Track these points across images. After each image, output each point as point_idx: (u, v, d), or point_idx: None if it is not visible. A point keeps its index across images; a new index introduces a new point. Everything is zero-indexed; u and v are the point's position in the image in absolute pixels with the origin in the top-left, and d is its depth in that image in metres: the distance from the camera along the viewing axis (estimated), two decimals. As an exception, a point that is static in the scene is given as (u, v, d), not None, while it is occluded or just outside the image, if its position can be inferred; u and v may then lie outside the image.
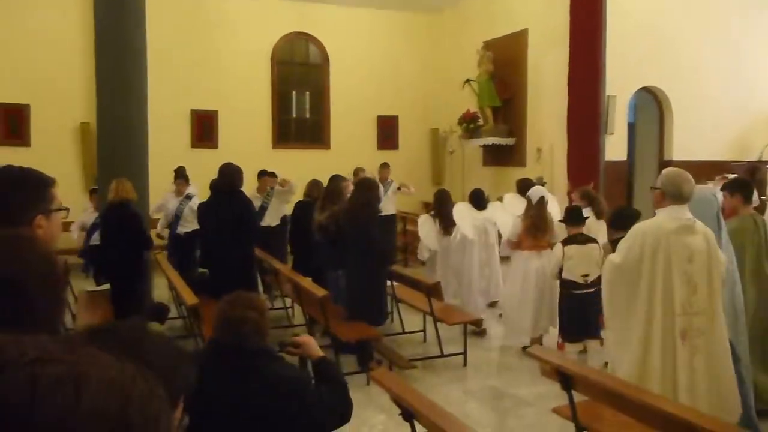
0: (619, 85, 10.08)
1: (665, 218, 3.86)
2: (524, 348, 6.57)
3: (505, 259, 7.70)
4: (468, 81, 11.81)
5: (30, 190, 1.99)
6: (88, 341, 1.14)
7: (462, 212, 7.37)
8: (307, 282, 6.33)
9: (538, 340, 6.57)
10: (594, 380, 3.65)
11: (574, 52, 9.96)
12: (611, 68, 9.78)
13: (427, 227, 7.49)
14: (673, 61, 10.40)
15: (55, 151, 10.91)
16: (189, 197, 8.92)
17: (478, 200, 7.51)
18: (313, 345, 2.93)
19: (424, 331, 7.11)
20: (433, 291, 6.24)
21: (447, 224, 7.31)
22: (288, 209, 8.81)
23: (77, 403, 0.63)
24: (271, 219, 9.02)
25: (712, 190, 4.85)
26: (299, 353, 2.97)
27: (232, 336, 2.74)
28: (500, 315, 7.32)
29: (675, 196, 3.84)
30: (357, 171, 9.79)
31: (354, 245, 6.06)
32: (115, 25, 7.51)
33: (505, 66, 11.56)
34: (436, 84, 13.47)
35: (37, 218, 1.94)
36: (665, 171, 4.03)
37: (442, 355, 6.39)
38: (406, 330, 7.23)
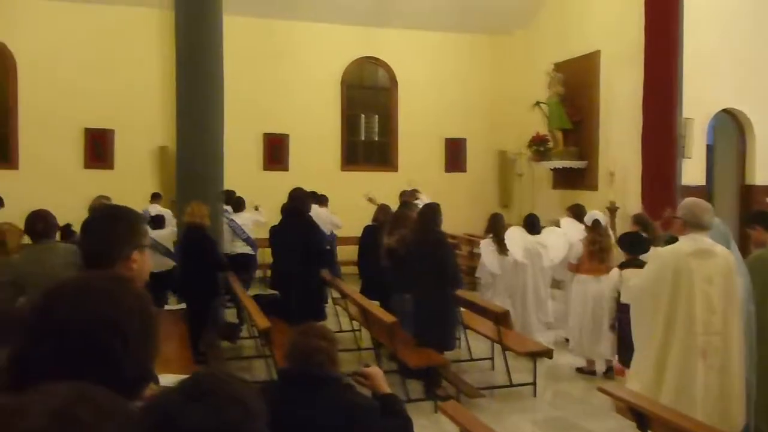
0: (697, 107, 9.74)
1: (684, 243, 4.08)
2: (578, 369, 6.83)
3: (558, 282, 7.92)
4: (538, 103, 11.68)
5: (126, 226, 2.09)
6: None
7: (514, 236, 7.57)
8: (375, 307, 6.36)
9: (592, 364, 6.78)
10: (671, 420, 3.51)
11: (648, 73, 9.72)
12: (688, 89, 9.48)
13: (488, 251, 7.62)
14: (754, 82, 9.98)
15: (136, 173, 11.43)
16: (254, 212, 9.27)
17: (532, 225, 7.66)
18: (380, 378, 2.95)
19: (492, 358, 7.02)
20: (502, 319, 6.15)
21: (502, 247, 7.48)
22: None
23: None
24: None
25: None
26: (367, 385, 2.98)
27: (305, 365, 2.79)
28: (567, 339, 7.32)
29: (695, 224, 4.06)
30: (412, 192, 9.88)
31: (422, 269, 6.05)
32: (194, 54, 7.84)
33: (576, 88, 11.39)
34: (504, 106, 13.38)
35: (133, 253, 2.04)
36: (685, 201, 4.25)
37: (511, 385, 6.29)
38: (473, 357, 7.15)
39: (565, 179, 11.83)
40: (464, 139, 13.58)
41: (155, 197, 10.21)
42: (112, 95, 11.42)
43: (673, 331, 3.97)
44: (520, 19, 13.08)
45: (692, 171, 9.92)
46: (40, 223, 4.62)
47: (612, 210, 9.85)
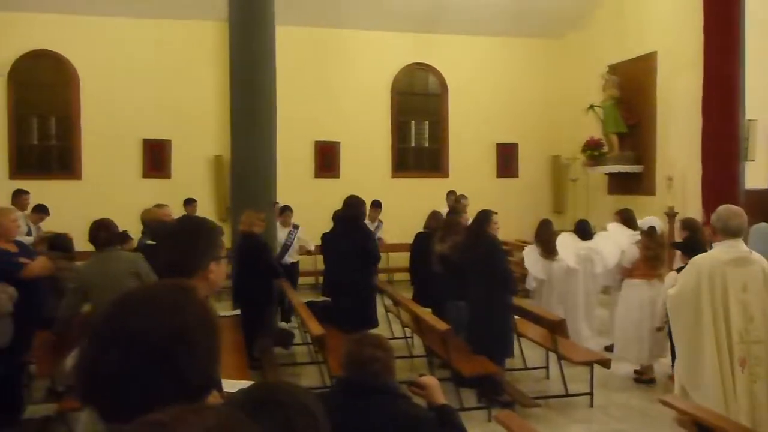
0: (761, 108, 9.39)
1: (719, 251, 4.15)
2: (636, 371, 6.71)
3: (605, 288, 7.90)
4: (592, 107, 11.47)
5: (206, 238, 2.16)
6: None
7: (565, 242, 7.58)
8: (428, 314, 6.33)
9: (649, 369, 6.69)
10: (739, 434, 3.38)
11: (708, 73, 9.41)
12: (751, 90, 9.14)
13: (532, 257, 7.66)
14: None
15: (192, 182, 11.70)
16: (296, 227, 9.28)
17: (583, 231, 7.68)
18: (436, 389, 2.92)
19: (546, 367, 6.89)
20: (557, 327, 6.04)
21: (547, 251, 7.48)
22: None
23: None
24: None
25: None
26: (423, 395, 2.96)
27: (361, 375, 2.79)
28: (606, 348, 7.27)
29: (724, 230, 4.12)
30: (456, 198, 9.86)
31: (476, 275, 5.99)
32: (248, 65, 8.00)
33: (631, 90, 11.13)
34: (557, 110, 13.19)
35: (211, 264, 2.10)
36: (719, 207, 4.29)
37: (567, 395, 6.16)
38: (527, 366, 7.04)
39: (621, 184, 11.56)
40: (516, 144, 13.43)
41: (188, 203, 10.36)
42: (168, 106, 11.74)
43: (710, 339, 4.02)
44: (573, 21, 12.88)
45: (755, 174, 9.56)
46: (103, 231, 4.77)
47: (671, 216, 9.56)
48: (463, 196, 10.01)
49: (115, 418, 1.25)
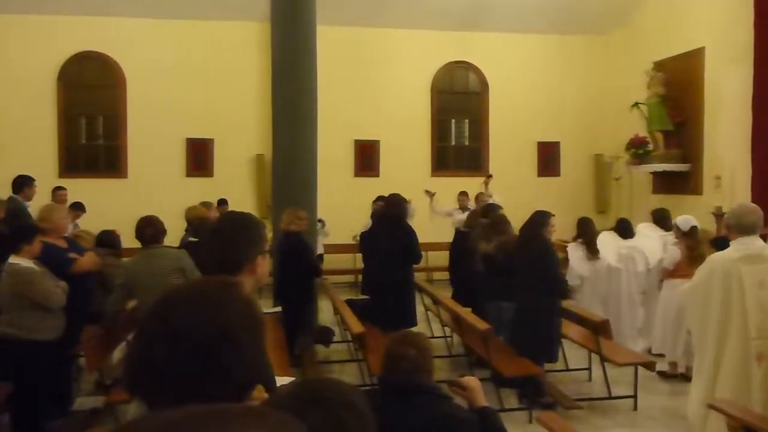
0: (815, 105, 9.07)
1: (734, 248, 4.17)
2: (659, 372, 6.58)
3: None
4: (636, 104, 11.24)
5: (254, 233, 2.19)
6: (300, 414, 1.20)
7: (606, 241, 7.55)
8: (468, 314, 6.29)
9: (675, 366, 6.70)
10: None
11: (759, 69, 9.14)
12: (805, 86, 8.84)
13: (576, 254, 7.62)
14: None
15: (234, 180, 11.88)
16: (321, 222, 9.34)
17: (624, 230, 7.63)
18: (478, 390, 2.89)
19: (589, 369, 6.77)
20: (601, 329, 5.93)
21: (591, 251, 7.45)
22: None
23: None
24: None
25: None
26: (464, 396, 2.93)
27: (395, 373, 2.78)
28: (649, 350, 7.21)
29: (738, 228, 4.16)
30: (479, 196, 9.84)
31: (527, 276, 5.92)
32: (289, 64, 8.06)
33: (677, 87, 10.86)
34: (600, 108, 12.96)
35: (257, 258, 2.13)
36: (733, 206, 4.43)
37: (610, 397, 6.05)
38: (569, 367, 6.93)
39: (666, 183, 11.30)
40: (558, 143, 13.26)
41: (221, 203, 10.46)
42: (211, 106, 11.93)
43: (726, 335, 4.09)
44: (616, 18, 12.64)
45: (809, 173, 9.23)
46: (149, 228, 4.87)
47: (718, 216, 9.30)
48: (482, 194, 10.02)
49: (162, 410, 1.28)
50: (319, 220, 9.36)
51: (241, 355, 1.33)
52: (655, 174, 11.41)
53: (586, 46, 13.17)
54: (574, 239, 7.83)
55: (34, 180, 7.78)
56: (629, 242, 7.52)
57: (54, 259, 5.12)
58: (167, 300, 1.39)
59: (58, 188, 9.10)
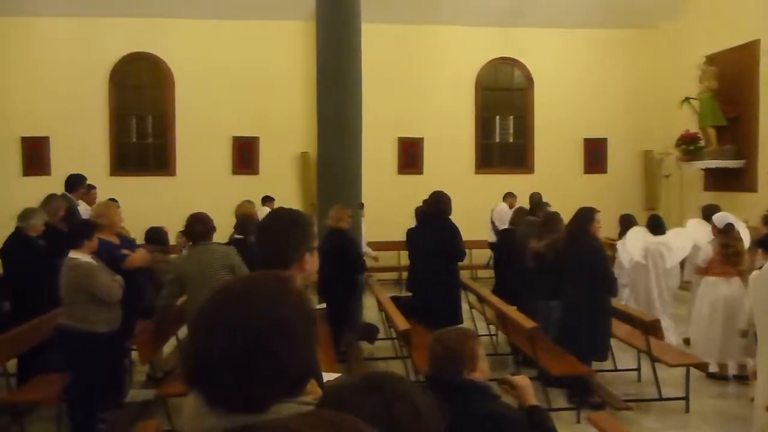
0: None
1: None
2: (708, 374, 6.41)
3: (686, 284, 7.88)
4: (687, 99, 10.95)
5: (303, 230, 2.21)
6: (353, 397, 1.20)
7: (635, 236, 7.52)
8: (514, 312, 6.22)
9: (725, 368, 6.53)
10: None
11: (818, 62, 8.80)
12: None
13: (621, 250, 7.68)
14: None
15: (279, 178, 12.01)
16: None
17: (655, 225, 7.57)
18: (528, 389, 2.84)
19: (638, 369, 6.63)
20: (651, 328, 5.79)
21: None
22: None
23: None
24: None
25: None
26: (514, 394, 2.89)
27: (440, 370, 2.75)
28: (685, 341, 7.18)
29: None
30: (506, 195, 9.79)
31: (575, 275, 5.83)
32: (334, 62, 8.10)
33: (731, 81, 10.54)
34: (649, 103, 12.66)
35: (306, 255, 2.14)
36: None
37: (661, 398, 5.91)
38: (617, 367, 6.79)
39: (719, 180, 10.98)
40: (605, 139, 13.01)
41: (266, 200, 10.54)
42: (257, 105, 12.09)
43: None
44: (666, 11, 12.33)
45: None
46: (199, 225, 4.96)
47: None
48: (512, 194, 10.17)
49: (219, 402, 1.29)
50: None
51: (296, 348, 1.34)
52: (707, 171, 11.10)
53: (634, 40, 12.88)
54: (620, 237, 7.76)
55: (86, 178, 8.00)
56: (659, 238, 7.46)
57: (108, 254, 5.26)
58: (224, 293, 1.41)
59: (90, 187, 9.14)
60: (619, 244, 7.78)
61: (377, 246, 11.11)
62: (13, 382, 5.68)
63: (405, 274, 9.61)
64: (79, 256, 4.89)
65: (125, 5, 11.56)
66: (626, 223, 7.83)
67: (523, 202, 9.72)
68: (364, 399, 1.18)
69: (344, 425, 0.76)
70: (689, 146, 11.05)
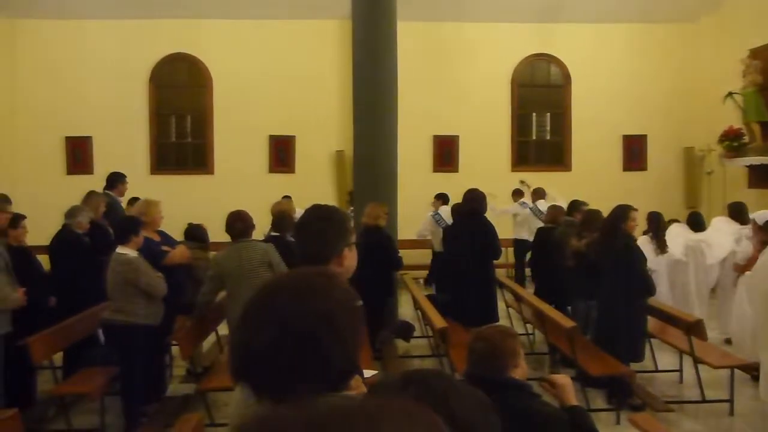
0: None
1: None
2: (753, 375, 6.17)
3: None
4: (730, 94, 10.68)
5: (341, 226, 2.22)
6: (400, 391, 1.22)
7: (675, 234, 7.49)
8: (552, 311, 6.16)
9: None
10: None
11: None
12: None
13: (646, 248, 7.36)
14: None
15: (314, 176, 12.10)
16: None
17: (695, 223, 7.64)
18: (569, 389, 2.81)
19: (680, 371, 6.50)
20: (694, 328, 5.67)
21: (660, 244, 7.32)
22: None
23: None
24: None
25: None
26: (554, 393, 2.87)
27: (480, 368, 2.74)
28: (727, 341, 7.08)
29: None
30: (536, 190, 9.86)
31: (610, 274, 5.74)
32: (370, 61, 8.12)
33: (777, 75, 10.25)
34: (690, 99, 12.39)
35: (344, 251, 2.15)
36: None
37: (704, 401, 5.78)
38: (658, 368, 6.68)
39: (763, 177, 10.68)
40: (644, 136, 12.78)
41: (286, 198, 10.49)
42: (293, 103, 12.18)
43: None
44: (706, 4, 12.05)
45: None
46: (239, 223, 5.02)
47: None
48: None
49: (266, 395, 1.31)
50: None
51: (342, 343, 1.35)
52: (752, 168, 10.81)
53: (674, 34, 12.62)
54: (644, 233, 7.67)
55: (126, 177, 8.17)
56: (699, 235, 7.43)
57: (149, 251, 5.37)
58: (271, 288, 1.43)
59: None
60: (641, 240, 7.63)
61: (412, 244, 11.10)
62: (59, 375, 5.83)
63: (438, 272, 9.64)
64: (127, 252, 5.00)
65: (164, 7, 11.76)
66: (654, 221, 7.66)
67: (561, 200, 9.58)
68: (410, 387, 1.19)
69: (417, 413, 0.76)
70: (733, 142, 10.78)
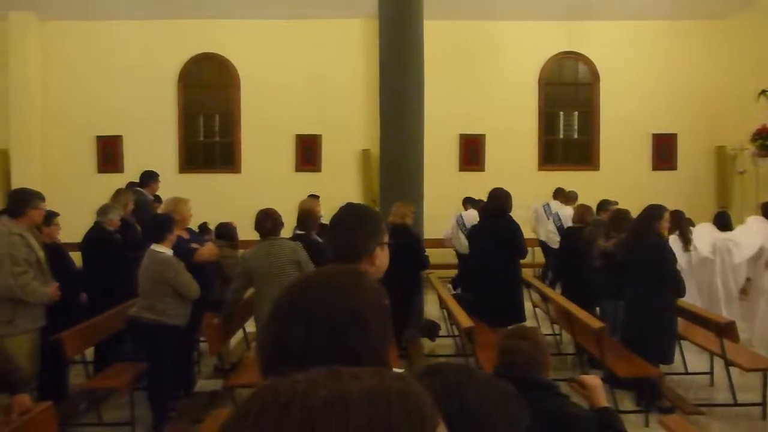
0: None
1: None
2: None
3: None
4: (764, 92, 10.48)
5: (373, 225, 2.22)
6: (417, 381, 1.22)
7: (702, 233, 7.53)
8: (580, 311, 6.10)
9: None
10: None
11: None
12: None
13: (675, 248, 7.30)
14: None
15: (341, 175, 12.13)
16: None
17: (722, 222, 7.62)
18: (599, 390, 2.78)
19: (711, 373, 6.39)
20: (726, 330, 5.57)
21: (685, 243, 7.37)
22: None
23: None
24: None
25: None
26: (584, 394, 2.84)
27: (507, 367, 2.73)
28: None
29: None
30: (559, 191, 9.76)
31: (639, 275, 5.67)
32: (397, 60, 8.12)
33: (812, 73, 10.02)
34: (722, 97, 12.17)
35: (376, 249, 2.16)
36: None
37: (736, 404, 5.68)
38: (688, 371, 6.57)
39: (798, 177, 10.47)
40: (675, 135, 12.59)
41: (313, 197, 10.48)
42: (319, 102, 12.24)
43: None
44: (738, 0, 11.81)
45: None
46: (268, 221, 5.06)
47: None
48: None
49: None
50: None
51: (371, 340, 1.36)
52: (786, 167, 10.59)
53: (705, 31, 12.40)
54: (670, 233, 7.59)
55: (158, 175, 8.29)
56: (727, 234, 7.40)
57: (179, 248, 5.43)
58: (302, 285, 1.44)
59: (133, 184, 9.08)
60: (671, 240, 7.62)
61: (438, 243, 11.08)
62: (90, 370, 5.94)
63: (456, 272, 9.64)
64: (164, 251, 5.07)
65: (192, 8, 11.89)
66: (678, 218, 7.61)
67: (588, 200, 9.47)
68: (430, 378, 1.20)
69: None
70: (766, 141, 10.57)
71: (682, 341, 6.53)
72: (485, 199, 7.38)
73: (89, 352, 5.99)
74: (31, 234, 5.00)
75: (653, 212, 5.77)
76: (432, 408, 0.73)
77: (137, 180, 8.26)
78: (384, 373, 0.75)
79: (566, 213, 9.35)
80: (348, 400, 0.68)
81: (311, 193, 9.19)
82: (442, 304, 7.25)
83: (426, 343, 7.57)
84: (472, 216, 9.04)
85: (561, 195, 10.35)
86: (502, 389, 1.29)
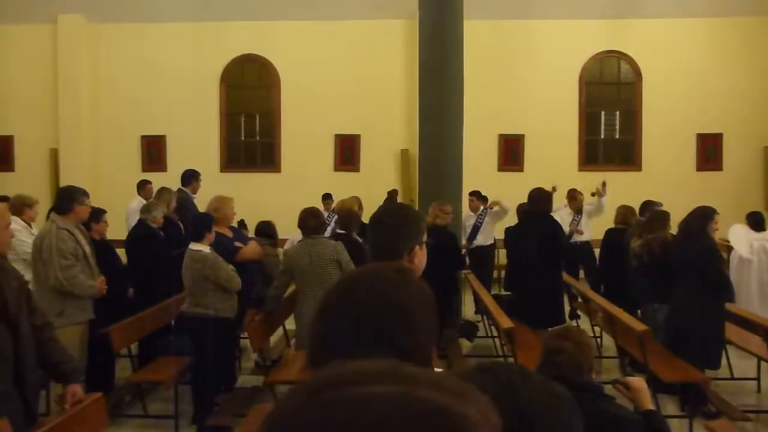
0: None
1: None
2: None
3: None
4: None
5: (413, 223, 2.25)
6: (467, 379, 1.24)
7: (738, 233, 7.53)
8: (623, 314, 6.01)
9: None
10: None
11: None
12: None
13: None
14: None
15: (380, 175, 12.16)
16: (486, 208, 9.51)
17: (756, 222, 7.57)
18: (644, 393, 2.75)
19: (758, 379, 6.23)
20: (774, 335, 5.44)
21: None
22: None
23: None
24: (484, 238, 9.39)
25: None
26: (629, 396, 2.81)
27: (550, 367, 2.71)
28: None
29: None
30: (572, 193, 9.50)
31: (684, 277, 5.57)
32: (437, 60, 8.12)
33: None
34: (770, 96, 11.84)
35: (415, 248, 2.19)
36: None
37: (784, 411, 5.54)
38: (734, 376, 6.42)
39: None
40: (720, 134, 12.28)
41: (326, 198, 10.38)
42: (358, 103, 12.30)
43: None
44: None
45: None
46: (312, 220, 5.13)
47: None
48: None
49: None
50: (486, 207, 9.56)
51: (416, 336, 1.38)
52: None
53: (752, 28, 12.08)
54: None
55: (200, 174, 8.44)
56: (763, 234, 7.38)
57: (222, 247, 5.54)
58: (350, 281, 1.47)
59: (145, 182, 9.10)
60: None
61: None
62: (136, 363, 6.10)
63: (503, 272, 9.53)
64: (202, 248, 5.19)
65: (235, 10, 12.09)
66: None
67: (630, 201, 9.31)
68: (480, 376, 1.21)
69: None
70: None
71: (728, 346, 6.39)
72: (525, 201, 7.34)
73: (134, 346, 6.16)
74: (79, 230, 5.17)
75: (705, 213, 5.65)
76: None
77: (179, 179, 8.38)
78: (444, 384, 0.70)
79: (563, 213, 9.14)
80: (403, 410, 0.64)
81: (354, 195, 9.19)
82: (481, 304, 7.22)
83: (464, 343, 7.56)
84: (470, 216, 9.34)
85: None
86: (558, 393, 1.29)
